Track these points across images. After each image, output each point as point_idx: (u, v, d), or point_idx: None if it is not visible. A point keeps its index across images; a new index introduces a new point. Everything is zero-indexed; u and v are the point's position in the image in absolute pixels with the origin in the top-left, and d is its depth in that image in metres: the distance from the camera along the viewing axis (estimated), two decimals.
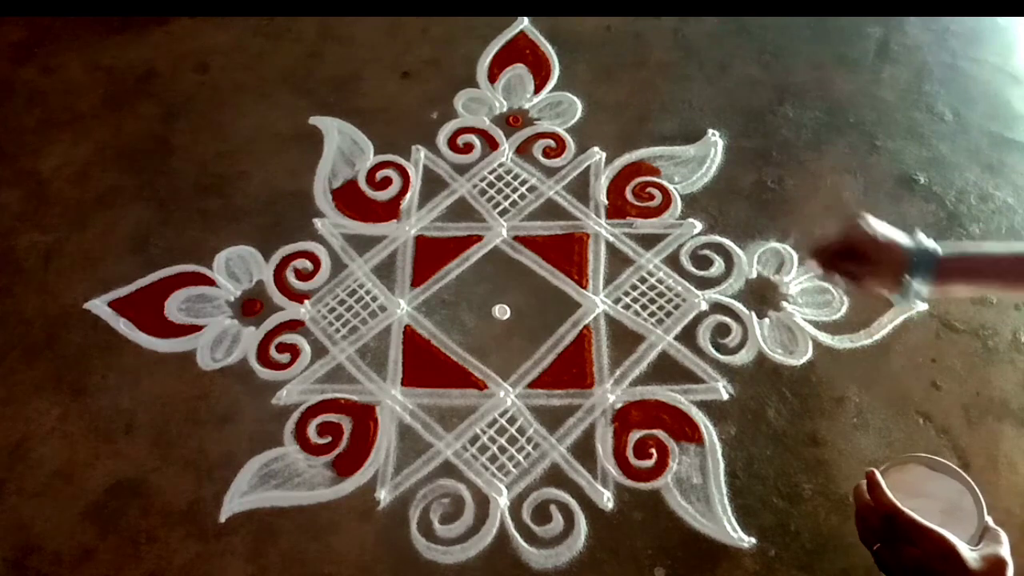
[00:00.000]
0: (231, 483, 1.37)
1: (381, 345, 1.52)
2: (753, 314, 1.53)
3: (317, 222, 1.68)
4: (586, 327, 1.53)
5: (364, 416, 1.45)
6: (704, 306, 1.54)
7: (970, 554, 0.65)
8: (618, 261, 1.61)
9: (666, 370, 1.48)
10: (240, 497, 1.36)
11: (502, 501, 1.35)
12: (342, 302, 1.58)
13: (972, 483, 0.73)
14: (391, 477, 1.38)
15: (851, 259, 0.93)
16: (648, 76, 1.89)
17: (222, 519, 1.34)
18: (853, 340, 1.50)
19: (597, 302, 1.56)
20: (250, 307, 1.58)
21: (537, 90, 1.87)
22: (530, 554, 1.30)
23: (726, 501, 1.34)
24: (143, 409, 1.46)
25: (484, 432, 1.42)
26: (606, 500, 1.34)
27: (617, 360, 1.49)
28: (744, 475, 1.36)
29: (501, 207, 1.69)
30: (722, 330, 1.52)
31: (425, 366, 1.50)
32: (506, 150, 1.78)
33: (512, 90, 1.88)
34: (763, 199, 1.68)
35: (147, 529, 1.34)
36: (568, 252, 1.63)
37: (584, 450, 1.40)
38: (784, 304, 1.54)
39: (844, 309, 1.53)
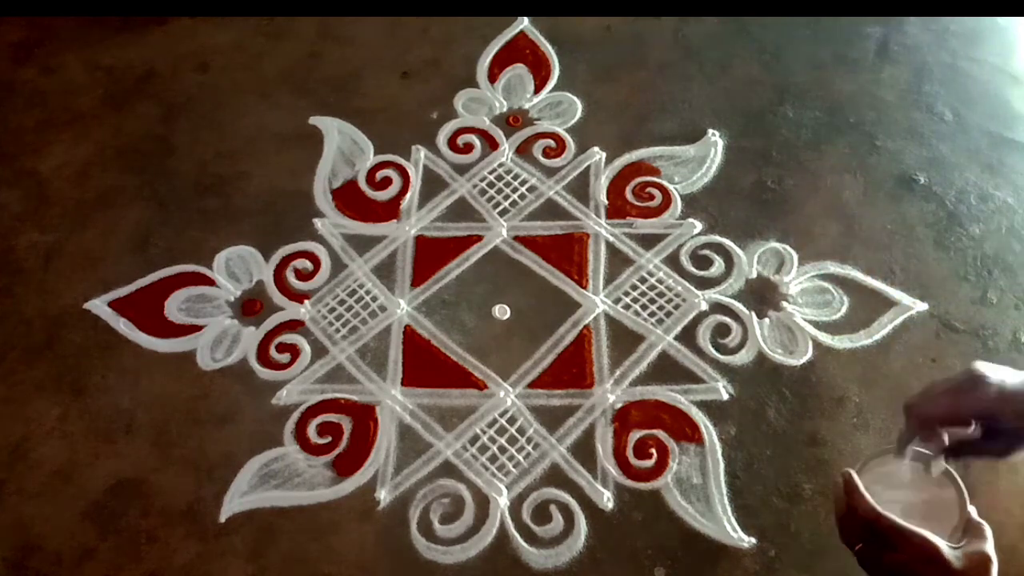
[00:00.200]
0: (231, 483, 1.37)
1: (381, 345, 1.52)
2: (753, 314, 1.53)
3: (317, 222, 1.68)
4: (586, 327, 1.53)
5: (364, 416, 1.45)
6: (704, 306, 1.54)
7: (953, 553, 0.64)
8: (618, 261, 1.61)
9: (666, 370, 1.48)
10: (240, 497, 1.36)
11: (502, 501, 1.35)
12: (342, 302, 1.58)
13: (953, 472, 0.71)
14: (391, 477, 1.38)
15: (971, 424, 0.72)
16: (648, 76, 1.89)
17: (222, 519, 1.34)
18: (853, 340, 1.50)
19: (597, 302, 1.56)
20: (250, 307, 1.58)
21: (537, 90, 1.87)
22: (530, 554, 1.30)
23: (726, 501, 1.34)
24: (143, 409, 1.46)
25: (484, 432, 1.42)
26: (606, 500, 1.34)
27: (617, 360, 1.49)
28: (744, 475, 1.36)
29: (501, 207, 1.69)
30: (722, 330, 1.52)
31: (425, 366, 1.50)
32: (506, 150, 1.78)
33: (512, 90, 1.88)
34: (763, 199, 1.68)
35: (147, 529, 1.34)
36: (568, 252, 1.63)
37: (584, 450, 1.40)
38: (784, 304, 1.54)
39: (844, 309, 1.53)
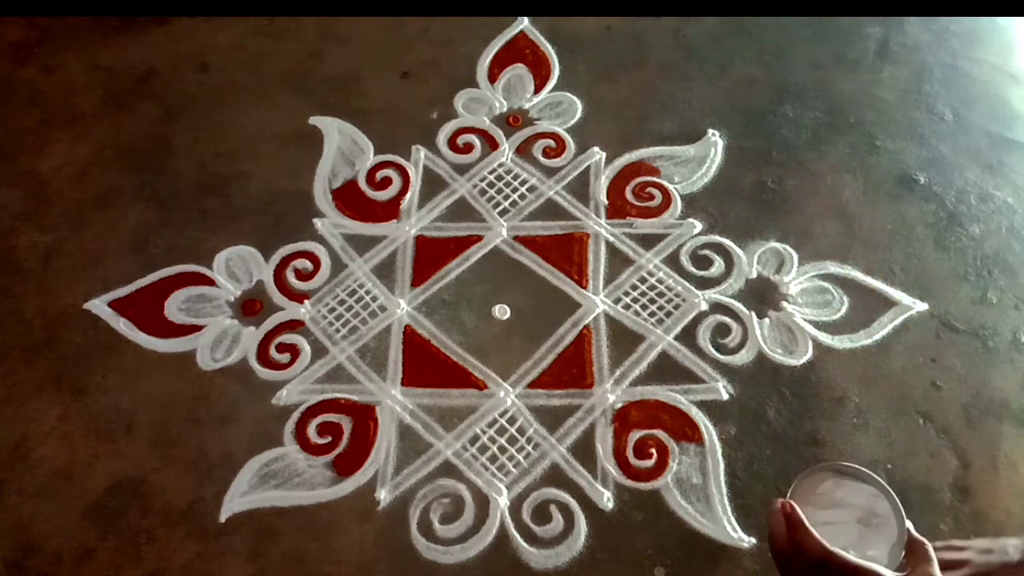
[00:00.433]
0: (231, 483, 1.37)
1: (381, 345, 1.52)
2: (753, 314, 1.53)
3: (317, 222, 1.68)
4: (586, 327, 1.53)
5: (364, 416, 1.44)
6: (704, 306, 1.54)
7: None
8: (618, 261, 1.61)
9: (666, 370, 1.48)
10: (240, 497, 1.36)
11: (502, 501, 1.35)
12: (342, 302, 1.58)
13: (885, 484, 0.69)
14: (391, 477, 1.38)
15: None
16: (648, 76, 1.89)
17: (222, 519, 1.34)
18: (853, 340, 1.50)
19: (597, 302, 1.56)
20: (250, 307, 1.58)
21: (537, 90, 1.87)
22: (530, 554, 1.30)
23: (726, 501, 1.34)
24: (143, 409, 1.46)
25: (484, 432, 1.42)
26: (606, 500, 1.34)
27: (617, 360, 1.49)
28: (744, 475, 1.36)
29: (501, 207, 1.69)
30: (722, 330, 1.52)
31: (425, 366, 1.50)
32: (506, 150, 1.77)
33: (512, 90, 1.88)
34: (763, 199, 1.68)
35: (147, 529, 1.34)
36: (568, 252, 1.63)
37: (584, 450, 1.40)
38: (784, 304, 1.54)
39: (844, 309, 1.53)
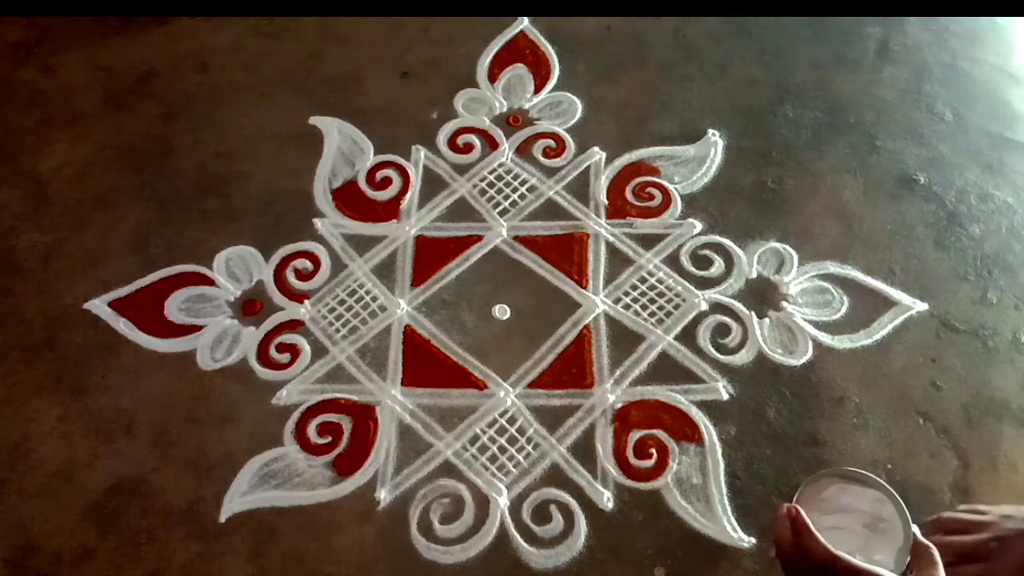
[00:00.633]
0: (231, 483, 1.37)
1: (381, 345, 1.52)
2: (753, 314, 1.53)
3: (317, 222, 1.68)
4: (586, 327, 1.53)
5: (364, 416, 1.45)
6: (704, 306, 1.54)
7: None
8: (618, 261, 1.61)
9: (666, 370, 1.48)
10: (240, 497, 1.36)
11: (502, 501, 1.35)
12: (342, 302, 1.58)
13: (891, 489, 0.69)
14: (391, 477, 1.38)
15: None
16: (648, 76, 1.89)
17: (222, 519, 1.34)
18: (853, 340, 1.50)
19: (597, 302, 1.56)
20: (250, 307, 1.58)
21: (537, 90, 1.87)
22: (530, 554, 1.30)
23: (726, 501, 1.34)
24: (143, 409, 1.46)
25: (484, 432, 1.42)
26: (606, 500, 1.34)
27: (617, 360, 1.49)
28: (744, 475, 1.36)
29: (501, 207, 1.69)
30: (722, 330, 1.52)
31: (425, 366, 1.50)
32: (506, 150, 1.78)
33: (512, 90, 1.88)
34: (763, 199, 1.68)
35: (147, 529, 1.34)
36: (568, 252, 1.63)
37: (584, 450, 1.40)
38: (784, 304, 1.54)
39: (844, 309, 1.53)
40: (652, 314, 1.54)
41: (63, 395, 1.48)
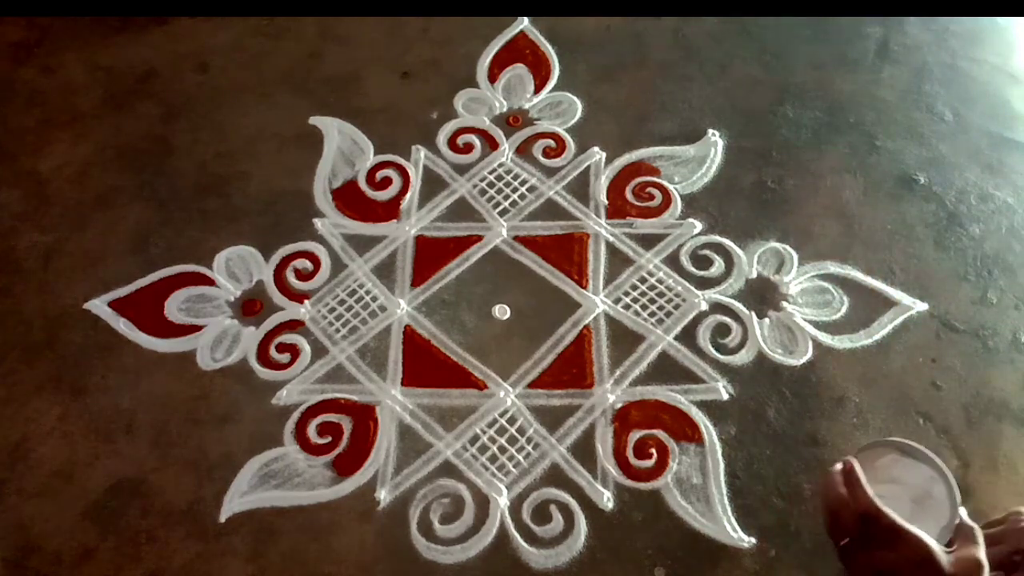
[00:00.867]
0: (231, 483, 1.37)
1: (381, 345, 1.52)
2: (753, 314, 1.53)
3: (317, 222, 1.68)
4: (586, 327, 1.53)
5: (364, 416, 1.45)
6: (704, 306, 1.54)
7: (946, 558, 0.62)
8: (618, 261, 1.61)
9: (666, 370, 1.48)
10: (240, 497, 1.36)
11: (502, 501, 1.35)
12: (342, 302, 1.58)
13: (946, 470, 0.69)
14: (391, 477, 1.38)
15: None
16: (648, 76, 1.89)
17: (222, 519, 1.34)
18: (853, 340, 1.50)
19: (597, 302, 1.56)
20: (250, 307, 1.58)
21: (537, 90, 1.87)
22: (530, 554, 1.30)
23: (726, 501, 1.34)
24: (143, 409, 1.46)
25: (484, 432, 1.42)
26: (606, 500, 1.34)
27: (617, 360, 1.49)
28: (744, 475, 1.36)
29: (501, 207, 1.69)
30: (722, 330, 1.52)
31: (425, 366, 1.50)
32: (506, 150, 1.78)
33: (512, 90, 1.88)
34: (763, 199, 1.68)
35: (147, 529, 1.34)
36: (568, 252, 1.63)
37: (584, 450, 1.40)
38: (784, 304, 1.54)
39: (844, 309, 1.53)
40: (652, 314, 1.54)
41: (63, 395, 1.48)
